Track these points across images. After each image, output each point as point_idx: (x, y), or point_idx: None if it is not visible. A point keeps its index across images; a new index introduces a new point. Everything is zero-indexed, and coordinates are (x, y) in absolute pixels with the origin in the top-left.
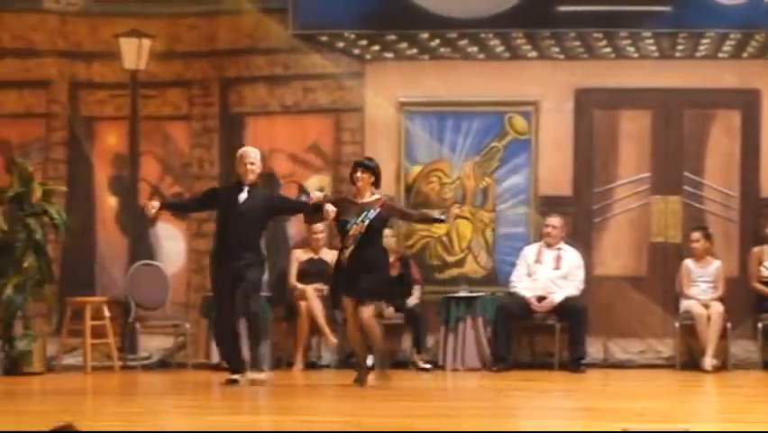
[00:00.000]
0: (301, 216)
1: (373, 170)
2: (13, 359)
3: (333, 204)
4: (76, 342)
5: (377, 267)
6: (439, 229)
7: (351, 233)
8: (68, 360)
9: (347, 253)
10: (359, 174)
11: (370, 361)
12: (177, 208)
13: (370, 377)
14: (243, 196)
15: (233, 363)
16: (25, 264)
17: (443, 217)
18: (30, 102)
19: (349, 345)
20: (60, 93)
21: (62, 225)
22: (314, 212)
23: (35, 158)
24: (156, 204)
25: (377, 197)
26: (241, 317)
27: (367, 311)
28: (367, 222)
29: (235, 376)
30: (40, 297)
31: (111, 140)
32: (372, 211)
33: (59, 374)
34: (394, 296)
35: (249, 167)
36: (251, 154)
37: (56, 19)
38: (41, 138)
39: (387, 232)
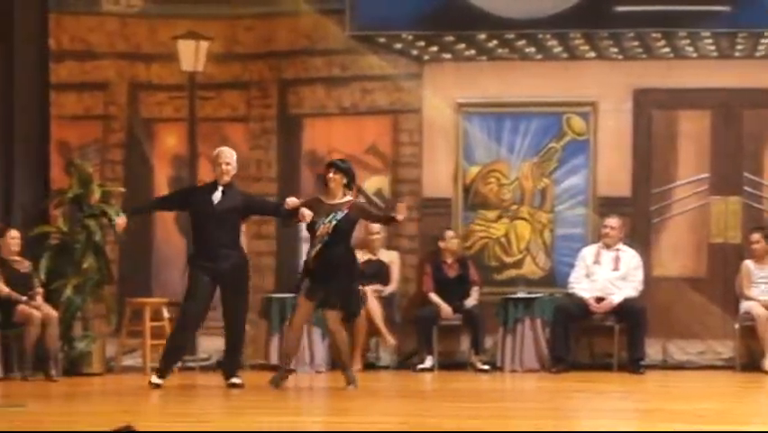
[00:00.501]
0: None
1: (346, 172)
2: (73, 360)
3: (306, 205)
4: (135, 343)
5: (345, 271)
6: (497, 231)
7: (318, 233)
8: (128, 361)
9: (313, 253)
10: (331, 174)
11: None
12: (143, 211)
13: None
14: (218, 196)
15: (167, 369)
16: (85, 265)
17: (394, 215)
18: (88, 104)
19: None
20: (119, 95)
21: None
22: (288, 216)
23: (93, 159)
24: (122, 221)
25: (348, 199)
26: (230, 325)
27: (332, 318)
28: (334, 223)
29: (160, 381)
30: (99, 298)
31: (170, 141)
32: (340, 213)
33: (118, 375)
34: (354, 306)
35: (225, 167)
36: (227, 154)
37: (114, 21)
38: (98, 140)
39: (449, 234)
